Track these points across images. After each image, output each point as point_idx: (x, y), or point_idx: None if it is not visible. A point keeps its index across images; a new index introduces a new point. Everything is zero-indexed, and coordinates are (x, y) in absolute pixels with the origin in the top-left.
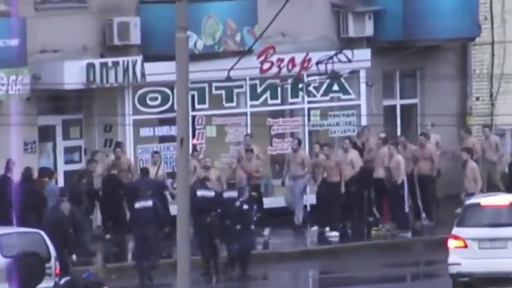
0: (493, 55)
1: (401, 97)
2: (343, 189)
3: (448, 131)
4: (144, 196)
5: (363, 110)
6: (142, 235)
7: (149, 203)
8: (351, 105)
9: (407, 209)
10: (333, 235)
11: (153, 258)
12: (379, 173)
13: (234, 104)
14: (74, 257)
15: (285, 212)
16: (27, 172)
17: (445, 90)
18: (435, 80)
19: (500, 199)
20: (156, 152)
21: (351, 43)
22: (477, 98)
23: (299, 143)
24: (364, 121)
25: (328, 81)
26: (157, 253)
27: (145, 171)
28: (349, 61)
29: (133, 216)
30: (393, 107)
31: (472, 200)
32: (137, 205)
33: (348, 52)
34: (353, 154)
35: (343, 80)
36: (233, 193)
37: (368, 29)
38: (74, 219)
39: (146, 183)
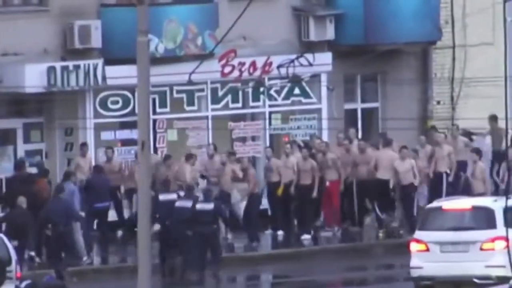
0: (454, 59)
1: (362, 101)
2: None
3: (410, 135)
4: (102, 196)
5: (324, 114)
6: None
7: (106, 204)
8: (312, 109)
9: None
10: (305, 238)
11: None
12: (384, 175)
13: (195, 107)
14: (32, 253)
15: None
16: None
17: (406, 94)
18: (396, 84)
19: (462, 202)
20: (109, 148)
21: (312, 47)
22: (438, 102)
23: (215, 148)
24: (325, 125)
25: (289, 84)
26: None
27: (98, 169)
28: (310, 64)
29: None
30: (354, 111)
31: (434, 204)
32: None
33: (309, 56)
34: (295, 159)
35: (304, 84)
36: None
37: (329, 33)
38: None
39: (102, 181)
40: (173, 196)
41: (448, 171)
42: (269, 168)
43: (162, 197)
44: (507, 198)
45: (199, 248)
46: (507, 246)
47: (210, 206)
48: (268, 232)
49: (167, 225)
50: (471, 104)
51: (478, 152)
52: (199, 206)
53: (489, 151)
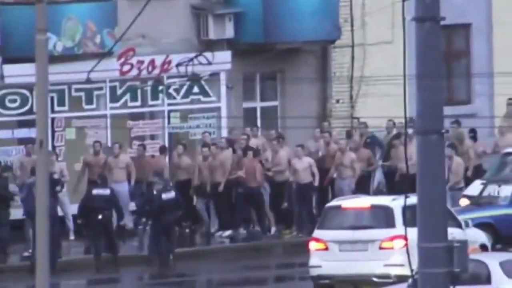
0: (353, 58)
1: (262, 100)
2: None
3: (309, 134)
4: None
5: (223, 113)
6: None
7: None
8: (211, 108)
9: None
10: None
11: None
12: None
13: (94, 106)
14: None
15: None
16: None
17: (306, 93)
18: (295, 82)
19: (361, 201)
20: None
21: (211, 46)
22: (337, 101)
23: (120, 147)
24: (224, 124)
25: (188, 83)
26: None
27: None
28: (210, 63)
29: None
30: (253, 109)
31: (333, 203)
32: None
33: (208, 55)
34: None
35: (203, 83)
36: None
37: (229, 31)
38: None
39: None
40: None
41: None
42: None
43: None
44: (405, 197)
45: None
46: (406, 245)
47: (172, 194)
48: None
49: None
50: (370, 103)
51: (453, 147)
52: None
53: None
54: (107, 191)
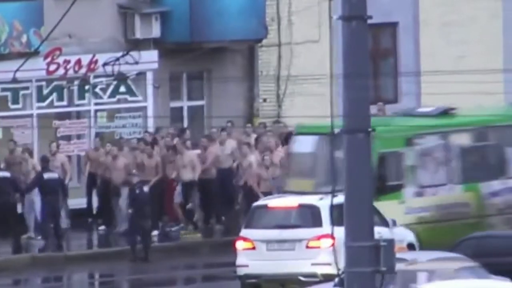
0: (280, 57)
1: (188, 99)
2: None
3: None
4: None
5: (150, 112)
6: None
7: None
8: (138, 107)
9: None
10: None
11: None
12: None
13: (20, 105)
14: None
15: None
16: None
17: (233, 92)
18: (222, 82)
19: (288, 200)
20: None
21: (138, 45)
22: (264, 100)
23: (57, 146)
24: (151, 123)
25: (115, 83)
26: None
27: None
28: (136, 62)
29: None
30: (180, 108)
31: (260, 202)
32: None
33: (135, 54)
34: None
35: (130, 82)
36: None
37: (155, 30)
38: None
39: None
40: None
41: None
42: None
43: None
44: (332, 196)
45: None
46: (333, 244)
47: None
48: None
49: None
50: (297, 102)
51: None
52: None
53: None
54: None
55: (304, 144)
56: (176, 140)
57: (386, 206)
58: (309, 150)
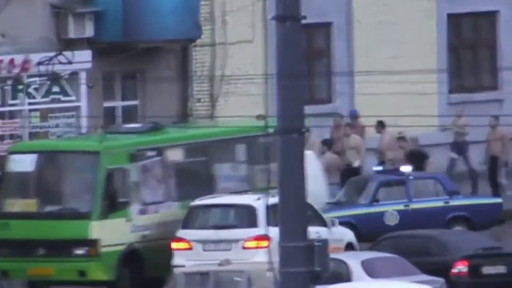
0: (214, 57)
1: (122, 99)
2: None
3: None
4: None
5: (84, 112)
6: None
7: None
8: (72, 107)
9: None
10: None
11: None
12: None
13: None
14: None
15: None
16: None
17: (166, 92)
18: (156, 81)
19: (225, 200)
20: None
21: (71, 45)
22: (199, 100)
23: None
24: (84, 123)
25: (48, 82)
26: None
27: None
28: (70, 62)
29: None
30: (114, 108)
31: (197, 202)
32: None
33: (68, 54)
34: None
35: (63, 82)
36: None
37: (89, 30)
38: None
39: None
40: None
41: None
42: None
43: None
44: (268, 196)
45: None
46: (269, 245)
47: None
48: None
49: None
50: (231, 102)
51: (404, 138)
52: None
53: None
54: None
55: (22, 163)
56: None
57: (114, 224)
58: (28, 169)
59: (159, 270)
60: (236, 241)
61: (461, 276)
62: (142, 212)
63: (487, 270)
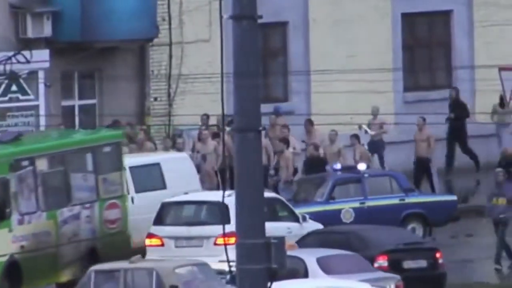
0: (171, 56)
1: (80, 98)
2: None
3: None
4: None
5: (42, 111)
6: None
7: None
8: (30, 106)
9: None
10: None
11: None
12: None
13: None
14: None
15: None
16: None
17: (124, 91)
18: (113, 81)
19: (196, 197)
20: None
21: (29, 44)
22: (155, 99)
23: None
24: (43, 122)
25: (6, 81)
26: None
27: None
28: (28, 61)
29: None
30: (72, 107)
31: (169, 199)
32: None
33: (26, 53)
34: None
35: (21, 81)
36: None
37: (47, 30)
38: None
39: None
40: None
41: None
42: None
43: None
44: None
45: None
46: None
47: None
48: None
49: None
50: (188, 101)
51: (357, 137)
52: None
53: None
54: None
55: None
56: None
57: None
58: None
59: (38, 281)
60: (208, 237)
61: (382, 270)
62: (20, 222)
63: (408, 264)
